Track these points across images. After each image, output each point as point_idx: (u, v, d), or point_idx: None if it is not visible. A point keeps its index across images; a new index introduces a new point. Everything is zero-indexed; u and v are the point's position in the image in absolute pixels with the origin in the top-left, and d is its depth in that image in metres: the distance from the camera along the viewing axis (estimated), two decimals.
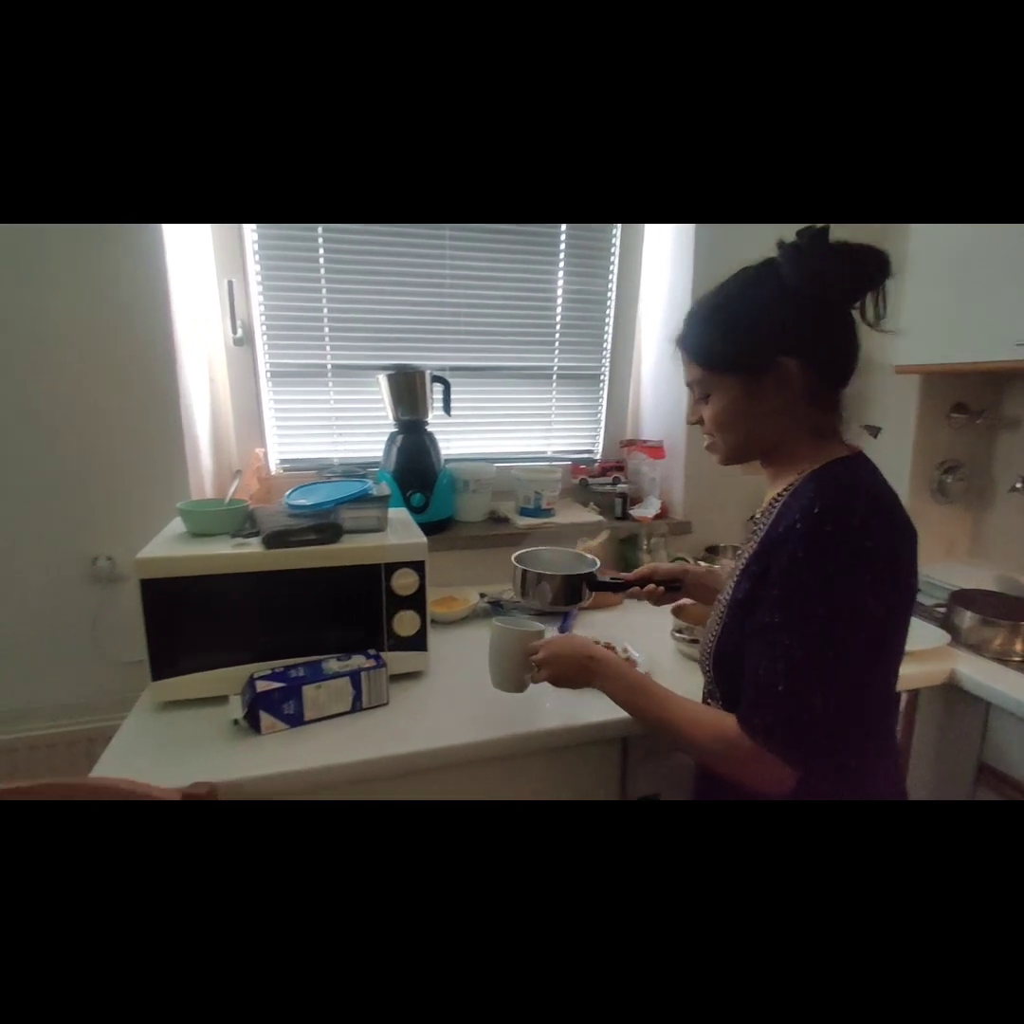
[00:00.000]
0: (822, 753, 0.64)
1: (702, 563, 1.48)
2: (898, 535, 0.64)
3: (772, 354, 0.67)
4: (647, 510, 1.63)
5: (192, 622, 0.97)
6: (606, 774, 1.00)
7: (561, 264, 1.61)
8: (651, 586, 1.00)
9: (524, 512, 1.59)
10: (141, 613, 0.94)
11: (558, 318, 1.64)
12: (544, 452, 1.74)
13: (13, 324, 1.16)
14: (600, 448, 1.78)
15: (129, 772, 0.79)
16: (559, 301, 1.63)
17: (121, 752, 0.89)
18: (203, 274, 1.37)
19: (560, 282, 1.62)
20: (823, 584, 0.61)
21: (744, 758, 0.65)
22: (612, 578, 1.01)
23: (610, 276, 1.65)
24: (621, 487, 1.66)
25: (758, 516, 0.74)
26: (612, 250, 1.64)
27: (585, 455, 1.78)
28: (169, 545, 1.01)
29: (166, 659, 0.97)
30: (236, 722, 0.92)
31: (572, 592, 0.97)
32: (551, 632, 0.98)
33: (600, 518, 1.60)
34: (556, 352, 1.67)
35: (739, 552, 0.77)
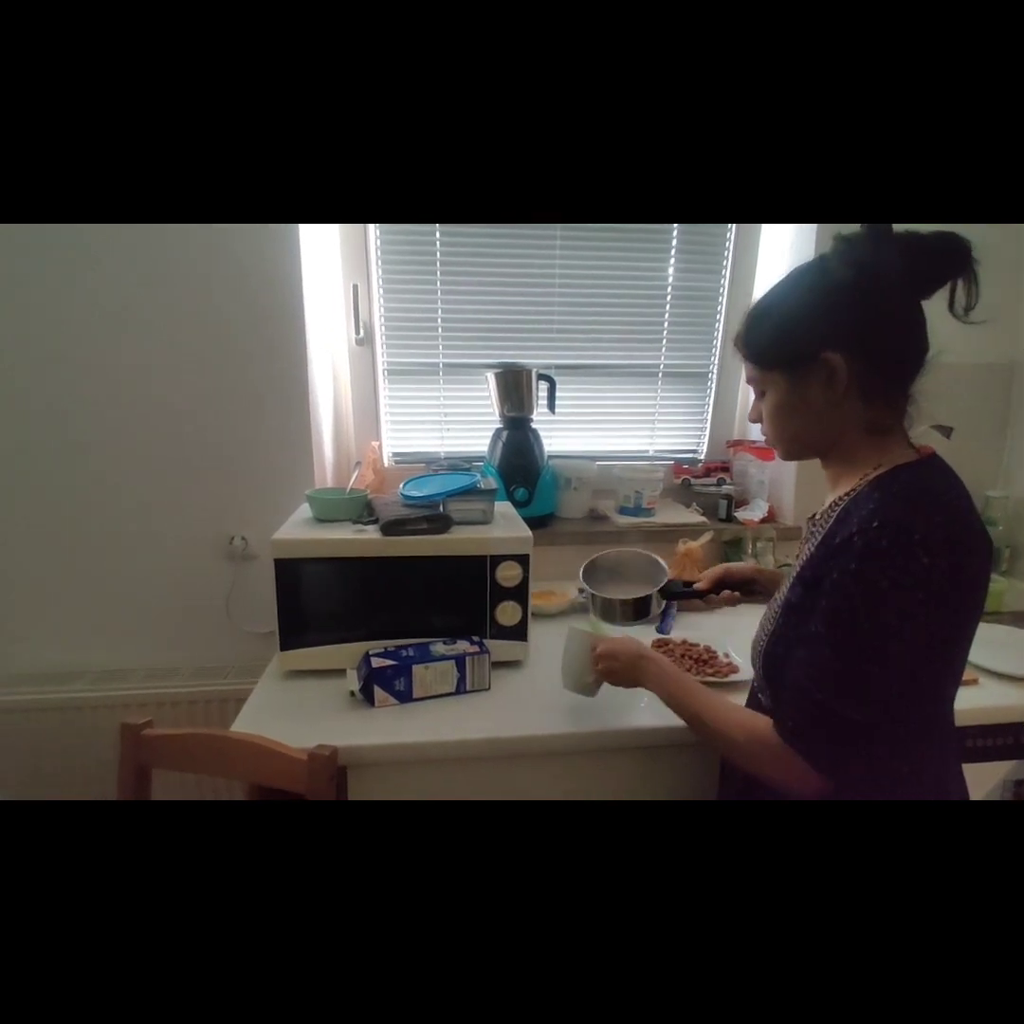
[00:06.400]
0: (856, 763, 0.64)
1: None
2: (964, 550, 0.61)
3: (814, 348, 0.66)
4: (753, 513, 1.58)
5: (316, 600, 1.06)
6: (702, 780, 0.99)
7: (672, 260, 1.58)
8: (726, 592, 0.98)
9: (624, 511, 1.59)
10: (274, 589, 1.04)
11: (667, 315, 1.62)
12: (646, 451, 1.73)
13: (162, 327, 1.30)
14: (705, 448, 1.74)
15: (262, 731, 0.88)
16: (668, 298, 1.61)
17: (254, 712, 0.99)
18: (331, 278, 1.47)
19: (670, 278, 1.60)
20: (872, 601, 0.60)
21: (773, 758, 0.67)
22: (684, 585, 1.00)
23: (723, 272, 1.61)
24: (726, 488, 1.61)
25: (818, 517, 0.73)
26: (726, 246, 1.59)
27: (689, 455, 1.75)
28: (298, 529, 1.10)
29: (292, 632, 1.06)
30: (352, 694, 1.00)
31: (642, 608, 0.97)
32: (646, 633, 0.99)
33: (703, 519, 1.57)
34: (663, 350, 1.64)
35: (797, 553, 0.76)
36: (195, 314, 1.31)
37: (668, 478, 1.69)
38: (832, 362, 0.65)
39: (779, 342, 0.69)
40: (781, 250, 1.55)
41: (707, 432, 1.73)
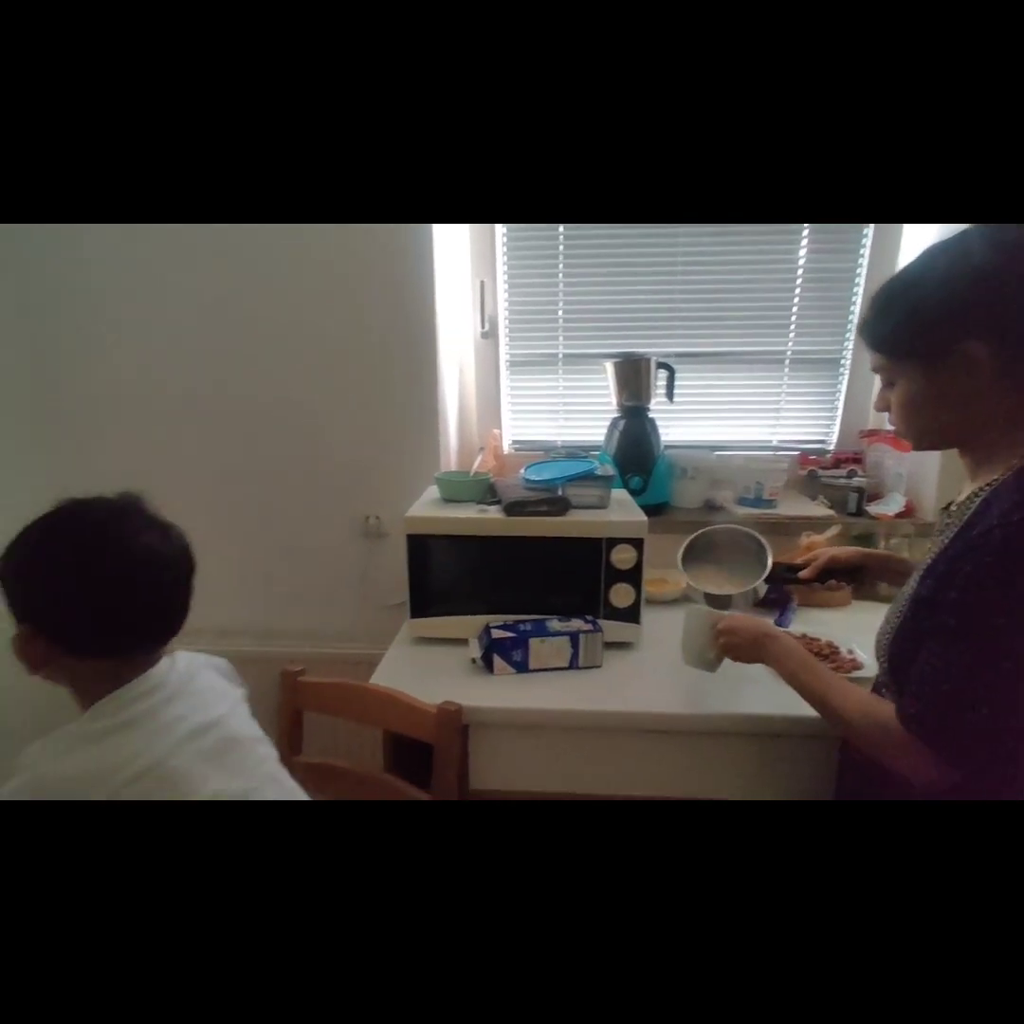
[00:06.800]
0: (979, 759, 0.62)
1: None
2: None
3: (954, 338, 0.62)
4: (888, 507, 1.48)
5: (442, 573, 1.15)
6: (819, 773, 0.97)
7: (804, 242, 1.52)
8: (832, 581, 0.96)
9: (743, 501, 1.55)
10: (404, 564, 1.15)
11: (796, 299, 1.56)
12: (769, 441, 1.67)
13: (311, 327, 1.44)
14: (835, 438, 1.66)
15: (394, 686, 0.98)
16: (799, 281, 1.55)
17: (387, 671, 1.10)
18: (460, 276, 1.57)
19: (801, 260, 1.53)
20: (1008, 597, 0.58)
21: (894, 745, 0.66)
22: (787, 570, 0.97)
23: (861, 251, 1.52)
24: (857, 480, 1.53)
25: (954, 508, 0.69)
26: (864, 225, 1.50)
27: (817, 445, 1.67)
28: (427, 508, 1.20)
29: (421, 602, 1.16)
30: (474, 661, 1.08)
31: (746, 596, 0.96)
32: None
33: (830, 512, 1.50)
34: (791, 335, 1.58)
35: (929, 545, 0.73)
36: (338, 314, 1.44)
37: (793, 469, 1.62)
38: (974, 353, 0.62)
39: (913, 331, 0.66)
40: (928, 229, 1.43)
41: (838, 421, 1.64)
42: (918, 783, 0.65)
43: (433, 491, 1.30)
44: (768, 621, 0.88)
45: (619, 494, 1.32)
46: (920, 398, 0.68)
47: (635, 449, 1.52)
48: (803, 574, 0.96)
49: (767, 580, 0.95)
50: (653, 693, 1.01)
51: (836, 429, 1.65)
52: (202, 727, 0.66)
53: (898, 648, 0.70)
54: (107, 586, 0.62)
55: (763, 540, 0.97)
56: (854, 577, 0.95)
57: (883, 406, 0.73)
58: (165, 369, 1.49)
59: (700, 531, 1.01)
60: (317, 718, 1.07)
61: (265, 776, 0.71)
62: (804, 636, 1.17)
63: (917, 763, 0.64)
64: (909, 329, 0.66)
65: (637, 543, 1.11)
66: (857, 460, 1.60)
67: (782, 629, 0.86)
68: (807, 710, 0.93)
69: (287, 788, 0.74)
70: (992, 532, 0.59)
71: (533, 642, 1.06)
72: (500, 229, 1.56)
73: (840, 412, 1.63)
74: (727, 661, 0.92)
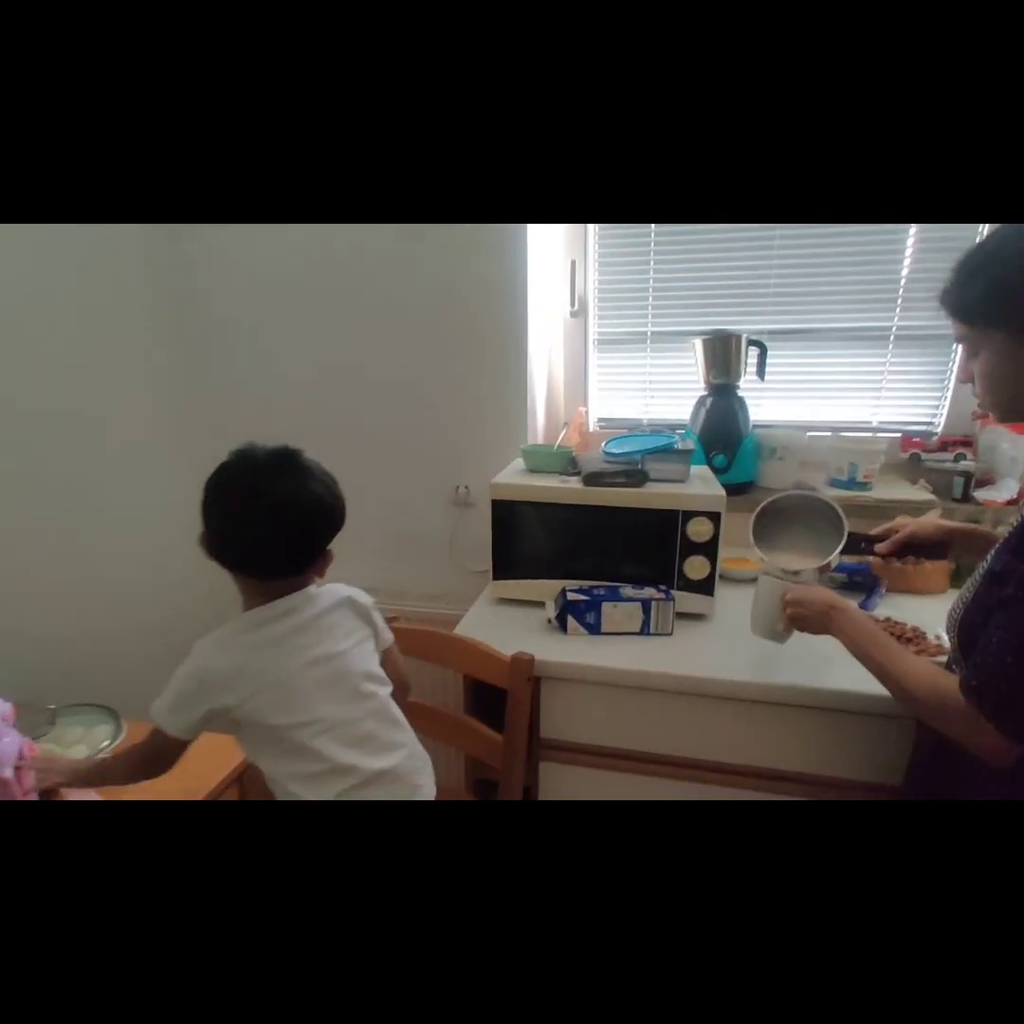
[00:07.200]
0: None
1: None
2: None
3: None
4: (999, 493, 1.39)
5: (524, 539, 1.23)
6: (893, 753, 0.96)
7: None
8: (910, 558, 0.96)
9: (835, 483, 1.50)
10: (489, 532, 1.23)
11: (905, 272, 1.48)
12: (869, 422, 1.60)
13: (412, 310, 1.55)
14: (943, 420, 1.56)
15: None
16: (909, 252, 1.47)
17: (469, 625, 1.19)
18: (552, 256, 1.61)
19: (912, 230, 1.45)
20: None
21: (956, 717, 0.66)
22: (865, 541, 0.95)
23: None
24: (965, 464, 1.44)
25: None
26: None
27: (923, 426, 1.58)
28: (512, 476, 1.28)
29: (503, 565, 1.25)
30: (549, 621, 1.15)
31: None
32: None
33: (931, 497, 1.43)
34: (897, 310, 1.51)
35: (1013, 520, 0.71)
36: (437, 298, 1.54)
37: (894, 452, 1.55)
38: None
39: (999, 299, 0.65)
40: None
41: (947, 402, 1.55)
42: (983, 756, 0.65)
43: (518, 463, 1.37)
44: (836, 594, 0.88)
45: (700, 470, 1.33)
46: (1004, 369, 0.66)
47: (722, 427, 1.52)
48: (879, 548, 0.94)
49: (843, 552, 0.94)
50: (721, 662, 1.03)
51: (945, 410, 1.55)
52: (323, 658, 0.79)
53: (969, 622, 0.70)
54: (234, 521, 0.75)
55: (840, 509, 0.95)
56: (937, 553, 0.92)
57: (966, 377, 0.72)
58: (296, 348, 1.65)
59: (773, 497, 1.00)
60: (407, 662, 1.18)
61: (369, 711, 0.82)
62: (888, 620, 1.14)
63: (980, 737, 0.64)
64: (993, 296, 0.65)
65: (714, 517, 1.13)
66: (967, 443, 1.51)
67: (855, 605, 0.86)
68: (878, 689, 0.93)
69: (389, 718, 0.85)
70: None
71: (605, 606, 1.11)
72: None
73: (950, 392, 1.54)
74: (801, 637, 0.93)
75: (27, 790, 0.76)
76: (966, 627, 0.70)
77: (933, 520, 0.97)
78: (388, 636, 0.91)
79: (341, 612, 0.84)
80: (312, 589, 0.82)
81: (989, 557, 0.70)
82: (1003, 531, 1.33)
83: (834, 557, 0.93)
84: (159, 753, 0.78)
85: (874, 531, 0.96)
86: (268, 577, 0.79)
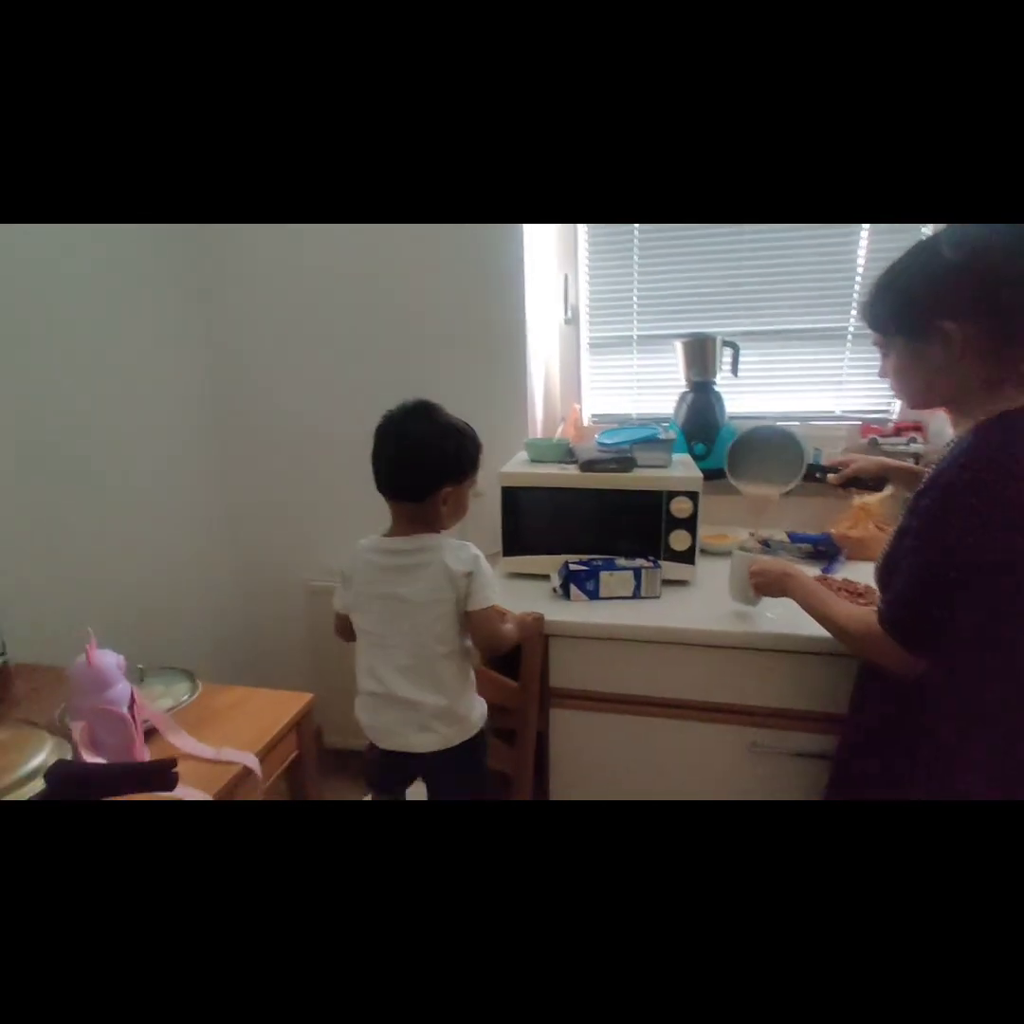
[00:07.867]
0: (932, 649, 0.80)
1: None
2: None
3: (931, 320, 0.77)
4: None
5: (529, 520, 1.41)
6: (837, 691, 1.11)
7: (865, 227, 1.63)
8: (853, 489, 1.20)
9: None
10: (498, 518, 1.41)
11: (857, 279, 1.67)
12: (832, 411, 1.80)
13: (419, 314, 1.73)
14: (898, 408, 1.76)
15: None
16: (861, 258, 1.66)
17: None
18: (546, 269, 1.80)
19: (863, 241, 1.64)
20: (948, 522, 0.74)
21: (877, 642, 0.84)
22: (820, 470, 1.19)
23: (922, 234, 1.61)
24: (914, 447, 1.63)
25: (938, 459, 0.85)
26: None
27: (879, 414, 1.78)
28: (518, 466, 1.47)
29: (512, 543, 1.43)
30: (554, 590, 1.34)
31: None
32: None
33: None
34: (852, 312, 1.70)
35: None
36: (444, 309, 1.72)
37: (854, 437, 1.74)
38: (948, 330, 0.77)
39: (899, 314, 0.83)
40: None
41: None
42: (897, 672, 0.84)
43: (522, 455, 1.56)
44: (790, 562, 1.07)
45: (682, 457, 1.52)
46: (907, 367, 0.85)
47: (701, 419, 1.71)
48: (830, 478, 1.15)
49: (804, 479, 1.15)
50: (700, 618, 1.22)
51: (898, 401, 1.75)
52: (390, 595, 1.04)
53: (885, 569, 0.88)
54: (373, 451, 1.04)
55: (803, 442, 1.17)
56: (877, 486, 1.13)
57: (884, 374, 0.90)
58: (320, 354, 1.83)
59: (745, 430, 1.21)
60: None
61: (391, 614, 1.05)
62: (845, 580, 1.34)
63: (891, 655, 0.83)
64: (896, 312, 0.83)
65: (693, 495, 1.32)
66: (918, 429, 1.70)
67: (805, 571, 1.06)
68: (822, 632, 1.12)
69: (404, 669, 1.05)
70: (942, 475, 0.77)
71: (603, 575, 1.30)
72: (582, 229, 1.77)
73: None
74: (768, 601, 1.13)
75: (140, 724, 0.94)
76: (883, 575, 0.89)
77: (876, 458, 1.18)
78: (475, 602, 1.03)
79: (431, 569, 1.02)
80: (428, 539, 1.04)
81: (901, 515, 0.87)
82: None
83: (795, 483, 1.14)
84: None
85: (827, 462, 1.17)
86: (390, 498, 1.04)
